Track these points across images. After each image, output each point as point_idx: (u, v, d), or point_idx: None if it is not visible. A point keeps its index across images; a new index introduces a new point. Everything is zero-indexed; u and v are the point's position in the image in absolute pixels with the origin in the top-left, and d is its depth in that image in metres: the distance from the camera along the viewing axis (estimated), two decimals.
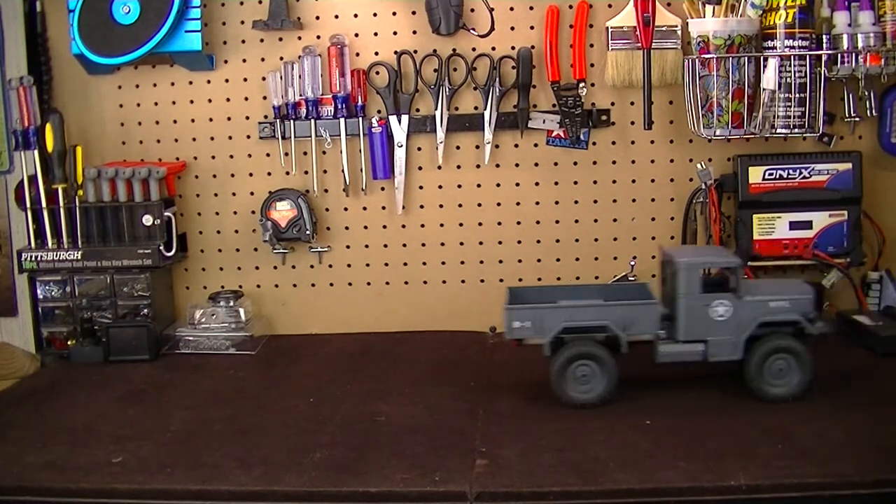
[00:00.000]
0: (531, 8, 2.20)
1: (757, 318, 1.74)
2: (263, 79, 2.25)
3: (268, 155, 2.29)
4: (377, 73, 2.25)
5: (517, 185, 2.27)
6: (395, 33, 2.24)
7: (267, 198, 2.26)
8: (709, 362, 1.75)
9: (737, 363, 1.75)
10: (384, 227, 2.30)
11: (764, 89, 2.07)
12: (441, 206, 2.29)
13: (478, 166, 2.27)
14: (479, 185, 2.28)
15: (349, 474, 1.48)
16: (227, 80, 2.28)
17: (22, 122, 2.17)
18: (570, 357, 1.73)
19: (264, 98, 2.26)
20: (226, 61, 2.27)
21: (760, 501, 1.39)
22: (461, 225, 2.29)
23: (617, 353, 1.74)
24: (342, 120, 2.22)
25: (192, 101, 2.29)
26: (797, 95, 2.06)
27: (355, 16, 2.24)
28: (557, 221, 2.28)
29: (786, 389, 1.73)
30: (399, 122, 2.24)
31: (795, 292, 1.78)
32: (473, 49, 2.22)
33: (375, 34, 2.24)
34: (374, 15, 2.24)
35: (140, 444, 1.63)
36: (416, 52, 2.22)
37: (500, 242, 2.30)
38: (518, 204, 2.28)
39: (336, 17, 2.24)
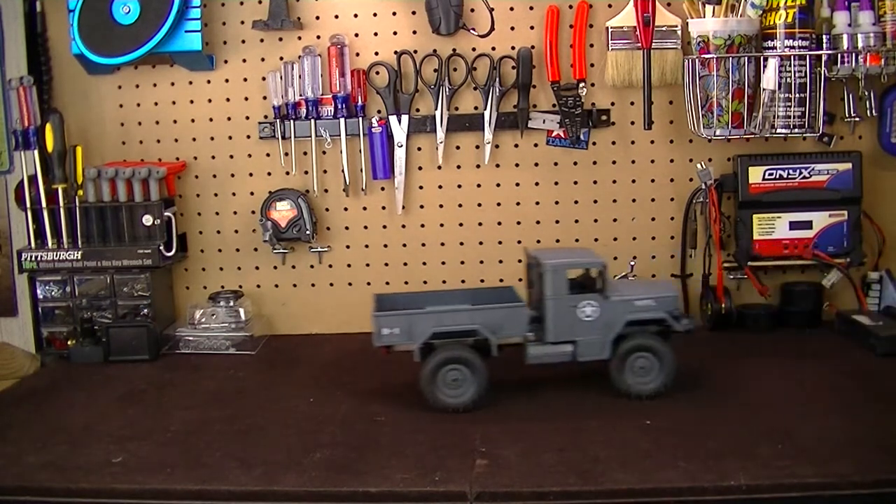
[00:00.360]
0: (531, 8, 2.20)
1: (624, 317, 1.75)
2: (263, 79, 2.25)
3: (268, 155, 2.29)
4: (377, 73, 2.25)
5: (517, 185, 2.27)
6: (395, 33, 2.24)
7: (267, 198, 2.26)
8: (580, 362, 1.76)
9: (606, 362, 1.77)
10: (384, 227, 2.30)
11: (764, 89, 2.07)
12: (441, 206, 2.29)
13: (478, 166, 2.27)
14: (479, 185, 2.28)
15: (349, 474, 1.48)
16: (227, 80, 2.28)
17: (22, 122, 2.17)
18: (441, 362, 1.72)
19: (264, 98, 2.26)
20: (226, 61, 2.27)
21: (760, 501, 1.39)
22: (461, 225, 2.29)
23: (487, 357, 1.74)
24: (342, 120, 2.22)
25: (192, 101, 2.29)
26: (797, 95, 2.06)
27: (355, 16, 2.24)
28: (557, 221, 2.28)
29: (649, 387, 1.74)
30: (399, 122, 2.24)
31: (661, 291, 1.80)
32: (473, 49, 2.22)
33: (375, 34, 2.24)
34: (374, 15, 2.24)
35: (140, 444, 1.63)
36: (416, 52, 2.22)
37: (500, 242, 2.30)
38: (518, 204, 2.28)
39: (336, 17, 2.24)
